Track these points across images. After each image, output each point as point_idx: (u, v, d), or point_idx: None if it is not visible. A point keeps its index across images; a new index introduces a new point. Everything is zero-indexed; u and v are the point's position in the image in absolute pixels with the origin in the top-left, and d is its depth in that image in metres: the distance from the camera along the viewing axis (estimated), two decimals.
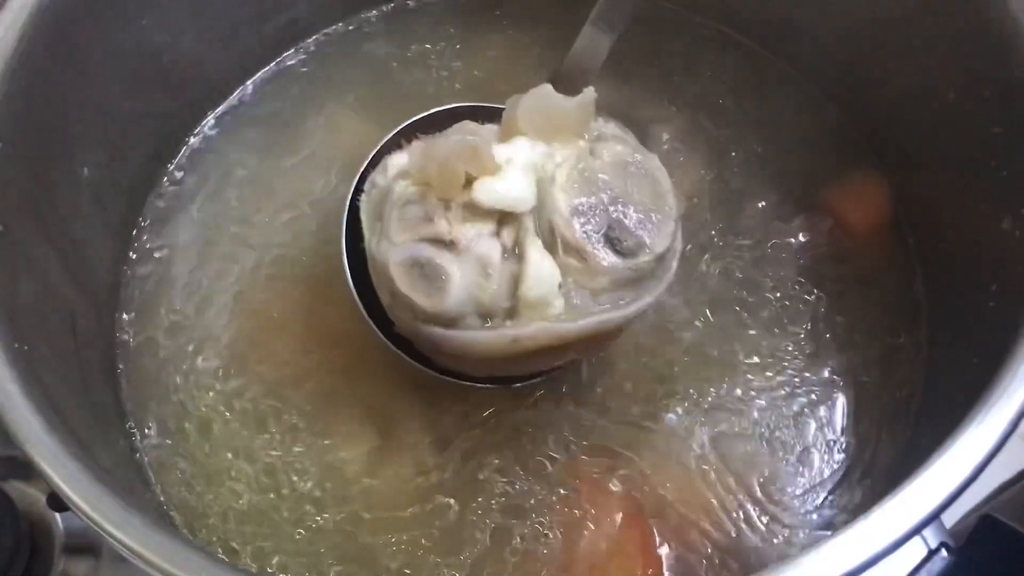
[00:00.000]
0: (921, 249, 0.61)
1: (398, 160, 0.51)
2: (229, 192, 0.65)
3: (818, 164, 0.65)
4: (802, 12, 0.66)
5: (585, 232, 0.46)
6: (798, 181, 0.64)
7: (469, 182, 0.46)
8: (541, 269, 0.46)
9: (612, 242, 0.47)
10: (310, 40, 0.72)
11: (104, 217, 0.61)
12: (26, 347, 0.47)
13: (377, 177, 0.52)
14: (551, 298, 0.46)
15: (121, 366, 0.59)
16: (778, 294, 0.60)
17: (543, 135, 0.49)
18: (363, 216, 0.51)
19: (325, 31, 0.72)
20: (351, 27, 0.73)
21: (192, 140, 0.68)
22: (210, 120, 0.69)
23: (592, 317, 0.47)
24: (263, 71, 0.71)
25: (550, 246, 0.47)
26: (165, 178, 0.66)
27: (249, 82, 0.70)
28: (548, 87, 0.49)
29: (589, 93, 0.49)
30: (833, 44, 0.65)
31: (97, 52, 0.58)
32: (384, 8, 0.73)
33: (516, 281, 0.46)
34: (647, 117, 0.65)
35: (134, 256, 0.63)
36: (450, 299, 0.46)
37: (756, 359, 0.58)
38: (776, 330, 0.59)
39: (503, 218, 0.47)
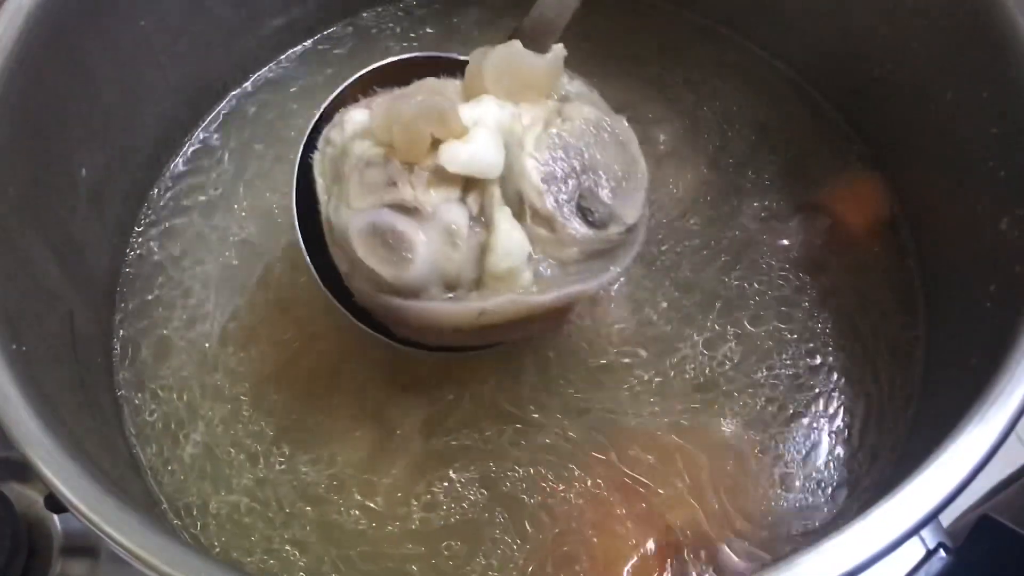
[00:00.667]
0: (919, 249, 0.61)
1: (357, 116, 0.47)
2: (228, 193, 0.65)
3: (816, 164, 0.65)
4: (800, 12, 0.66)
5: (556, 201, 0.44)
6: (796, 181, 0.64)
7: (435, 144, 0.44)
8: (511, 239, 0.44)
9: (583, 212, 0.45)
10: (309, 41, 0.72)
11: (102, 218, 0.61)
12: (24, 348, 0.47)
13: (332, 133, 0.48)
14: (520, 269, 0.44)
15: (119, 367, 0.59)
16: (775, 293, 0.60)
17: (511, 94, 0.46)
18: (317, 177, 0.48)
19: (324, 32, 0.72)
20: (351, 28, 0.73)
21: (190, 141, 0.68)
22: (209, 121, 0.69)
23: (562, 289, 0.45)
24: (262, 71, 0.71)
25: (518, 215, 0.45)
26: (163, 179, 0.66)
27: (248, 83, 0.70)
28: (517, 43, 0.47)
29: (559, 50, 0.47)
30: (831, 44, 0.65)
31: (95, 53, 0.58)
32: (384, 9, 0.73)
33: (483, 251, 0.44)
34: (644, 116, 0.65)
35: (132, 257, 0.63)
36: (415, 269, 0.43)
37: (752, 358, 0.58)
38: (772, 329, 0.59)
39: (469, 183, 0.45)
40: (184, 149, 0.67)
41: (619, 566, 0.51)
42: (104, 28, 0.58)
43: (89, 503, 0.41)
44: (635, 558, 0.51)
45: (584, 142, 0.46)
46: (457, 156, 0.44)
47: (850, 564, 0.37)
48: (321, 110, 0.52)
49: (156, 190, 0.66)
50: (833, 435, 0.56)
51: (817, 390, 0.57)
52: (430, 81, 0.48)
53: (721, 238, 0.62)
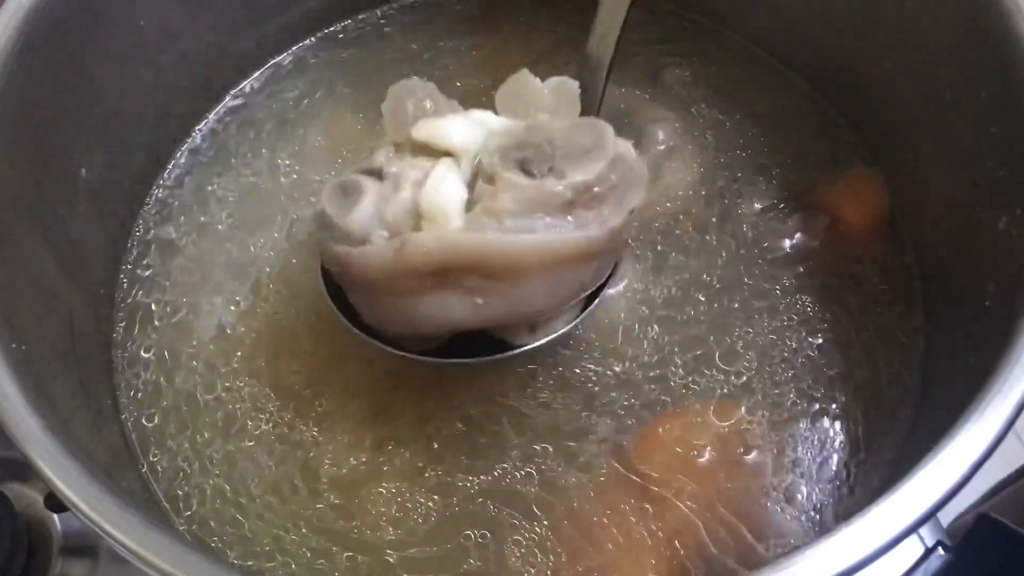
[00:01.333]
0: (918, 248, 0.61)
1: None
2: (227, 193, 0.65)
3: (815, 163, 0.65)
4: (799, 12, 0.66)
5: (502, 159, 0.46)
6: (795, 180, 0.64)
7: None
8: (443, 179, 0.46)
9: (523, 164, 0.46)
10: (309, 40, 0.72)
11: (102, 218, 0.61)
12: (24, 347, 0.47)
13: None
14: (450, 213, 0.46)
15: (119, 366, 0.59)
16: (774, 292, 0.60)
17: (518, 116, 0.50)
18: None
19: (324, 31, 0.72)
20: (350, 27, 0.73)
21: (190, 141, 0.68)
22: (209, 121, 0.69)
23: (489, 234, 0.45)
24: (262, 71, 0.71)
25: (471, 183, 0.47)
26: (163, 179, 0.66)
27: (248, 82, 0.70)
28: (524, 72, 0.51)
29: (562, 80, 0.50)
30: (830, 43, 0.65)
31: (95, 53, 0.58)
32: (383, 8, 0.73)
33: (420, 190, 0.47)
34: (643, 117, 0.65)
35: (132, 257, 0.63)
36: (359, 211, 0.46)
37: (751, 358, 0.58)
38: (771, 328, 0.59)
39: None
40: (184, 149, 0.67)
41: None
42: (104, 28, 0.58)
43: (89, 502, 0.41)
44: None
45: (557, 127, 0.48)
46: (424, 126, 0.48)
47: (849, 562, 0.37)
48: None
49: (156, 190, 0.66)
50: (829, 433, 0.56)
51: (812, 388, 0.57)
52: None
53: (721, 237, 0.62)
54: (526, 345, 0.51)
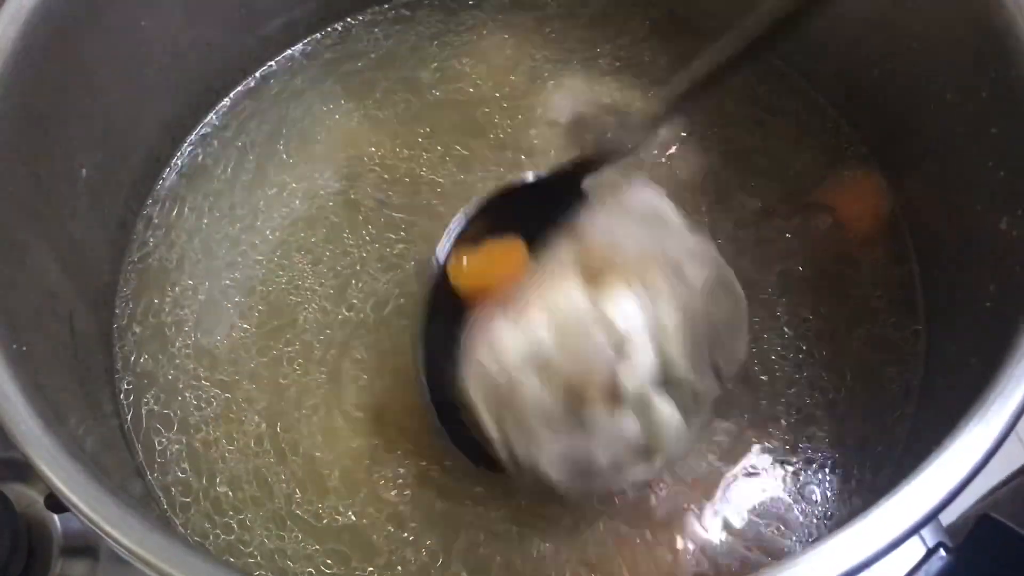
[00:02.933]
0: (919, 248, 0.61)
1: (506, 339, 0.48)
2: (228, 193, 0.65)
3: (816, 163, 0.65)
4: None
5: (693, 366, 0.47)
6: (796, 181, 0.64)
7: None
8: (672, 421, 0.47)
9: (716, 369, 0.48)
10: (310, 40, 0.72)
11: (103, 218, 0.61)
12: (24, 348, 0.47)
13: (482, 356, 0.48)
14: (679, 451, 0.49)
15: (119, 367, 0.59)
16: (775, 292, 0.60)
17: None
18: (477, 400, 0.49)
19: (325, 31, 0.72)
20: (351, 27, 0.73)
21: (191, 141, 0.68)
22: (210, 121, 0.69)
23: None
24: (263, 71, 0.71)
25: (672, 394, 0.48)
26: (164, 179, 0.66)
27: (248, 82, 0.70)
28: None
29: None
30: (831, 44, 0.65)
31: (96, 53, 0.58)
32: (384, 8, 0.73)
33: (647, 436, 0.47)
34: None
35: (132, 257, 0.63)
36: (599, 479, 0.48)
37: (752, 356, 0.58)
38: (772, 328, 0.59)
39: None
40: (184, 149, 0.67)
41: None
42: (104, 28, 0.58)
43: (89, 503, 0.41)
44: None
45: (706, 304, 0.48)
46: (631, 376, 0.46)
47: (850, 563, 0.37)
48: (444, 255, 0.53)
49: (156, 190, 0.66)
50: (829, 435, 0.56)
51: (813, 388, 0.57)
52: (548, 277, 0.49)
53: (721, 238, 0.62)
54: None
